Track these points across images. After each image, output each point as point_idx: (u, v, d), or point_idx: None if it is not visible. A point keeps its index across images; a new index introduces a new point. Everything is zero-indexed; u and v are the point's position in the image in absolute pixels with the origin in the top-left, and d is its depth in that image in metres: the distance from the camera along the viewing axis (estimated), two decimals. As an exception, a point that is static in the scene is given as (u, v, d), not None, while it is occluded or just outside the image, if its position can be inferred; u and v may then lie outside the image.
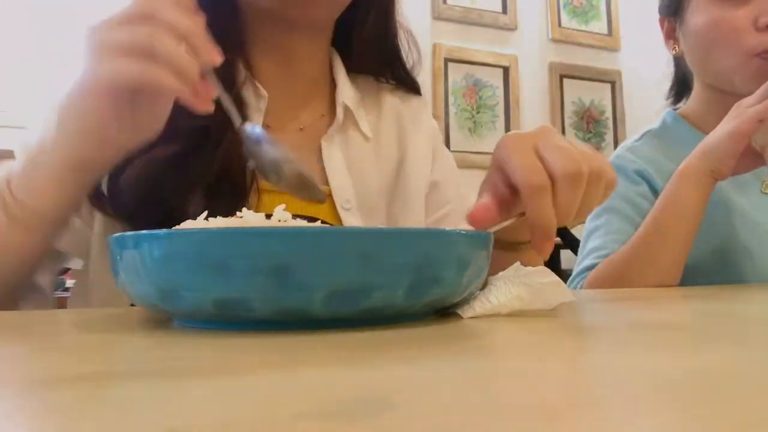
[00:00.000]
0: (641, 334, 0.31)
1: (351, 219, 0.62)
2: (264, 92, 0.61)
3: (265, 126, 0.61)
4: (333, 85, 0.68)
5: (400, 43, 0.70)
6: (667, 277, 0.76)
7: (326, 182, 0.62)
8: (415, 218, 0.68)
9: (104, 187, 0.53)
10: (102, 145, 0.44)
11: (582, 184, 0.41)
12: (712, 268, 0.85)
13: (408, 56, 0.72)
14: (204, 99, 0.43)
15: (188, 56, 0.41)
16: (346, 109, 0.66)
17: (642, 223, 0.79)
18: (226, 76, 0.46)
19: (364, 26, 0.67)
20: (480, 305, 0.35)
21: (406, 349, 0.25)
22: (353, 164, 0.65)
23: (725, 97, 0.91)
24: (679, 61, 1.02)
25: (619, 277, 0.78)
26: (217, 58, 0.43)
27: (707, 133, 0.93)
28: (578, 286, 0.85)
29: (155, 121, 0.45)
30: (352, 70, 0.70)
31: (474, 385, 0.18)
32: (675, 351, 0.25)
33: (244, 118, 0.52)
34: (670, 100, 1.06)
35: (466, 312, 0.35)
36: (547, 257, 0.43)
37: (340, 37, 0.68)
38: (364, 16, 0.66)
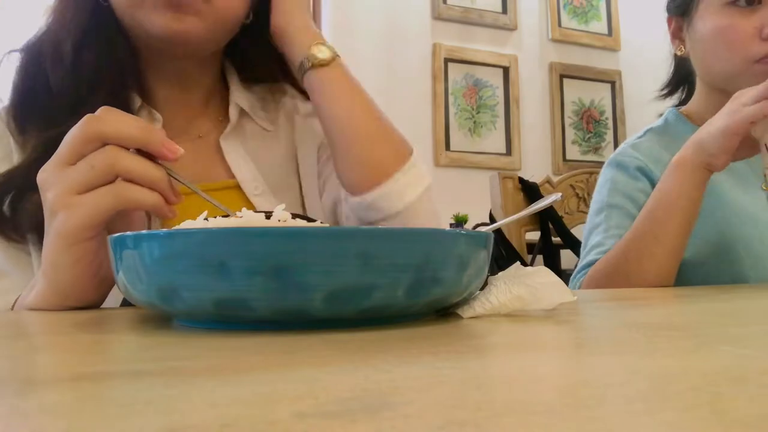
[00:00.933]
0: (641, 334, 0.31)
1: (263, 203, 0.66)
2: (158, 115, 0.65)
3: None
4: (227, 91, 0.73)
5: None
6: (663, 269, 0.76)
7: (232, 176, 0.67)
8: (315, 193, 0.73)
9: (6, 210, 0.55)
10: (92, 292, 0.44)
11: None
12: (711, 262, 0.85)
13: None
14: (170, 205, 0.45)
15: (152, 165, 0.43)
16: (241, 110, 0.71)
17: (637, 217, 0.80)
18: (123, 108, 0.48)
19: (253, 39, 0.70)
20: (480, 305, 0.35)
21: (406, 349, 0.25)
22: (256, 153, 0.69)
23: (720, 96, 0.91)
24: (681, 61, 1.02)
25: (616, 271, 0.78)
26: (178, 151, 0.44)
27: None
28: (578, 283, 0.85)
29: None
30: (249, 80, 0.75)
31: (474, 385, 0.18)
32: (675, 351, 0.25)
33: None
34: (662, 96, 1.07)
35: (466, 312, 0.35)
36: None
37: (232, 46, 0.71)
38: (253, 30, 0.69)
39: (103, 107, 0.44)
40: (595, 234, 0.90)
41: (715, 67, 0.91)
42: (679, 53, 0.97)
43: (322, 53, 0.64)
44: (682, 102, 1.05)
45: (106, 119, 0.43)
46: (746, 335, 0.30)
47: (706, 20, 0.90)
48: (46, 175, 0.43)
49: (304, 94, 0.72)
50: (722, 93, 0.92)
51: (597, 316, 0.40)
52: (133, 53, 0.65)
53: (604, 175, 0.96)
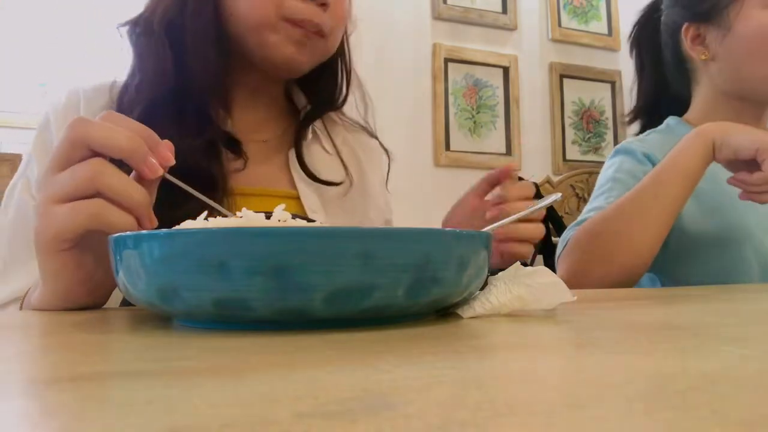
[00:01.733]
0: (641, 334, 0.31)
1: (319, 219, 0.69)
2: (228, 120, 0.67)
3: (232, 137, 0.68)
4: (291, 107, 0.77)
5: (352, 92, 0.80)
6: (651, 234, 0.77)
7: (294, 187, 0.70)
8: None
9: None
10: (85, 297, 0.44)
11: None
12: (712, 247, 0.86)
13: (359, 104, 0.81)
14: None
15: (135, 187, 0.41)
16: (313, 131, 0.75)
17: (642, 180, 0.80)
18: (206, 116, 0.53)
19: (323, 68, 0.74)
20: (480, 305, 0.35)
21: (406, 349, 0.25)
22: (316, 171, 0.72)
23: (736, 105, 0.94)
24: (648, 87, 1.04)
25: (606, 228, 0.79)
26: (158, 171, 0.42)
27: None
28: (566, 239, 0.85)
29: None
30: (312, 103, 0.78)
31: (474, 385, 0.18)
32: (675, 351, 0.25)
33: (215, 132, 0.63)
34: (628, 122, 1.09)
35: (466, 312, 0.35)
36: None
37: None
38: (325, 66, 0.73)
39: (107, 111, 0.44)
40: (596, 200, 0.91)
41: (752, 68, 0.91)
42: (703, 58, 0.96)
43: None
44: (645, 127, 1.07)
45: (96, 125, 0.41)
46: (746, 335, 0.30)
47: (748, 21, 0.89)
48: (41, 176, 0.43)
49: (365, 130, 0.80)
50: (734, 100, 0.94)
51: (597, 316, 0.40)
52: (222, 69, 0.68)
53: (610, 161, 0.97)
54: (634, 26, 1.10)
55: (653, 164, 0.92)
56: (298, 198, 0.69)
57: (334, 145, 0.77)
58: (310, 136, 0.74)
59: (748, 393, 0.17)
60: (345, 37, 0.76)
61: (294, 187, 0.70)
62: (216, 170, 0.61)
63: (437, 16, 3.02)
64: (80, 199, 0.40)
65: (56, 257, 0.42)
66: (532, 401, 0.16)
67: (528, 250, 0.62)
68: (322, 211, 0.69)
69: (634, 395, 0.17)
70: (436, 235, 0.31)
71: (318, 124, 0.76)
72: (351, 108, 0.82)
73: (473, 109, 3.07)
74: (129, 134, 0.41)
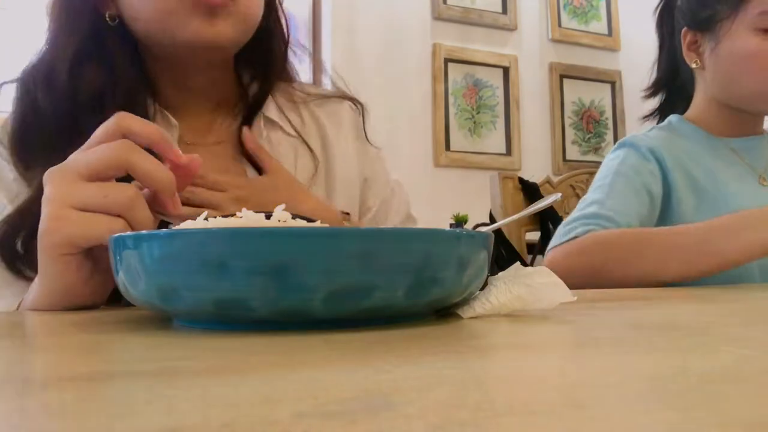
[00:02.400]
0: (641, 334, 0.31)
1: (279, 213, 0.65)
2: (174, 121, 0.65)
3: (184, 143, 0.65)
4: (242, 93, 0.72)
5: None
6: (659, 280, 0.76)
7: None
8: (340, 200, 0.72)
9: (19, 248, 0.54)
10: (85, 298, 0.44)
11: None
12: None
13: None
14: None
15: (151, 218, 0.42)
16: (269, 120, 0.70)
17: (679, 230, 0.79)
18: (140, 114, 0.50)
19: (262, 41, 0.70)
20: (480, 305, 0.35)
21: (406, 349, 0.25)
22: (280, 160, 0.68)
23: (729, 111, 0.96)
24: (670, 63, 1.03)
25: (621, 252, 0.78)
26: (180, 158, 0.44)
27: (712, 132, 0.97)
28: (576, 231, 0.83)
29: None
30: (264, 86, 0.73)
31: (474, 385, 0.18)
32: (675, 351, 0.25)
33: None
34: (647, 95, 1.09)
35: (466, 312, 0.35)
36: None
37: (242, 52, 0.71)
38: (261, 33, 0.68)
39: (122, 113, 0.44)
40: (597, 191, 0.90)
41: (739, 86, 0.92)
42: (694, 66, 0.97)
43: None
44: (664, 108, 1.07)
45: (143, 155, 0.42)
46: (746, 335, 0.30)
47: (737, 41, 0.91)
48: (60, 165, 0.43)
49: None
50: (733, 110, 0.96)
51: (597, 316, 0.40)
52: (141, 66, 0.65)
53: (614, 154, 0.96)
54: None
55: (658, 160, 0.92)
56: None
57: (294, 128, 0.72)
58: (263, 128, 0.69)
59: (748, 393, 0.17)
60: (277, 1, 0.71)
61: None
62: None
63: (437, 16, 3.02)
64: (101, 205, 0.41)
65: (60, 259, 0.41)
66: (532, 401, 0.16)
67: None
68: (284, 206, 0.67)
69: (634, 395, 0.17)
70: (436, 235, 0.31)
71: (274, 113, 0.71)
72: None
73: (473, 109, 3.07)
74: (167, 175, 0.42)
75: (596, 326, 0.35)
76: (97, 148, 0.42)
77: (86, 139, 0.44)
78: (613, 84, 3.37)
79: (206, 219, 0.35)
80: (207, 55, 0.63)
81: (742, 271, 0.85)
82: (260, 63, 0.71)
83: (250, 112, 0.69)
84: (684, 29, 0.98)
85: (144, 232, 0.31)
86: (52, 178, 0.42)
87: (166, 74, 0.67)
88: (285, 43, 0.72)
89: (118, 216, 0.41)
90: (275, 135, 0.71)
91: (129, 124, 0.43)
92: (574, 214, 0.88)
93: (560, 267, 0.77)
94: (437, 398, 0.17)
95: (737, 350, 0.25)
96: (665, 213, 0.91)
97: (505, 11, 3.15)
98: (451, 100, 3.01)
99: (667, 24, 1.05)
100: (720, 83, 0.95)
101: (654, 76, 1.08)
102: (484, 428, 0.14)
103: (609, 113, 3.36)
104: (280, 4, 0.72)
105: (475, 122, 3.05)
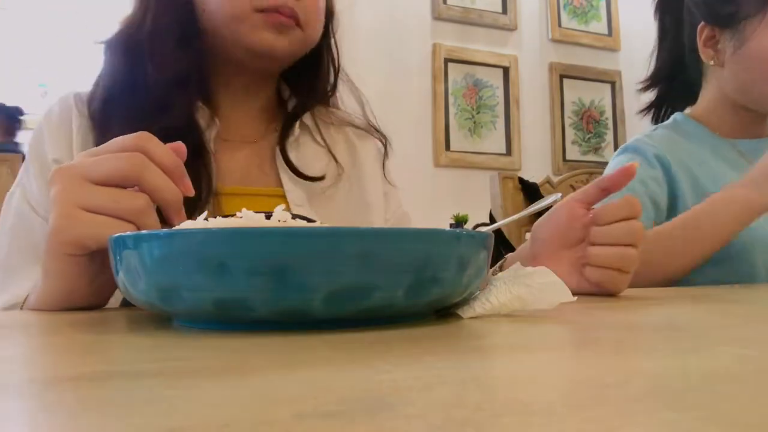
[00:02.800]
0: (641, 334, 0.31)
1: (304, 213, 0.68)
2: (217, 121, 0.68)
3: (221, 139, 0.68)
4: (281, 103, 0.77)
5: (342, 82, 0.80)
6: (667, 277, 0.76)
7: (281, 185, 0.69)
8: (373, 218, 0.76)
9: None
10: (88, 299, 0.44)
11: None
12: (723, 257, 0.85)
13: (351, 97, 0.81)
14: None
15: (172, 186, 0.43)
16: (301, 122, 0.74)
17: (672, 224, 0.79)
18: (189, 113, 0.53)
19: (310, 63, 0.75)
20: (480, 305, 0.35)
21: (406, 349, 0.25)
22: (306, 166, 0.72)
23: (740, 111, 0.93)
24: (668, 57, 1.01)
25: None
26: (190, 191, 0.45)
27: (718, 132, 0.94)
28: None
29: None
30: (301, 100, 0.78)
31: (474, 385, 0.18)
32: (675, 351, 0.25)
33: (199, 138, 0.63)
34: (642, 89, 1.06)
35: (466, 312, 0.35)
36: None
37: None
38: (311, 56, 0.74)
39: (142, 133, 0.44)
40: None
41: (762, 86, 0.89)
42: (711, 63, 0.94)
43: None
44: (663, 103, 1.04)
45: (154, 171, 0.43)
46: (746, 335, 0.30)
47: (766, 41, 0.87)
48: (67, 165, 0.43)
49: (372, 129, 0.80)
50: (746, 111, 0.93)
51: (597, 316, 0.40)
52: (203, 66, 0.69)
53: (618, 160, 0.95)
54: None
55: (663, 166, 0.91)
56: (283, 196, 0.69)
57: (323, 138, 0.76)
58: (297, 131, 0.74)
59: (748, 393, 0.17)
60: (331, 30, 0.76)
61: (281, 185, 0.69)
62: (201, 172, 0.62)
63: (437, 16, 3.02)
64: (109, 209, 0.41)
65: (65, 258, 0.42)
66: (532, 401, 0.16)
67: (625, 279, 0.55)
68: (307, 206, 0.69)
69: (634, 395, 0.17)
70: (436, 235, 0.31)
71: (308, 119, 0.76)
72: (348, 108, 0.81)
73: (473, 110, 3.07)
74: (176, 191, 0.43)
75: (596, 326, 0.35)
76: (111, 156, 0.42)
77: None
78: (613, 84, 3.37)
79: (206, 219, 0.35)
80: (264, 64, 0.69)
81: (748, 270, 0.85)
82: (305, 82, 0.76)
83: (288, 118, 0.74)
84: (701, 24, 0.93)
85: (144, 232, 0.31)
86: (60, 178, 0.42)
87: (218, 73, 0.70)
88: (335, 70, 0.78)
89: (128, 222, 0.41)
90: (305, 139, 0.75)
91: (151, 148, 0.43)
92: None
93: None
94: (437, 398, 0.17)
95: (737, 350, 0.25)
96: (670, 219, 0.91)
97: (505, 11, 3.15)
98: (451, 100, 3.01)
99: (670, 13, 1.00)
100: (742, 84, 0.92)
101: (652, 67, 1.04)
102: (484, 428, 0.14)
103: (609, 113, 3.35)
104: (333, 35, 0.77)
105: (475, 122, 3.05)
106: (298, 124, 0.74)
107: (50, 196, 0.42)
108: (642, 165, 0.91)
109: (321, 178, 0.71)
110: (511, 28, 3.17)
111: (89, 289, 0.43)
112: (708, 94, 0.98)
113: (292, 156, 0.71)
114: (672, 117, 1.01)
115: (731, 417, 0.15)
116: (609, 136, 3.32)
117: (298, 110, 0.75)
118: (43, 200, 0.60)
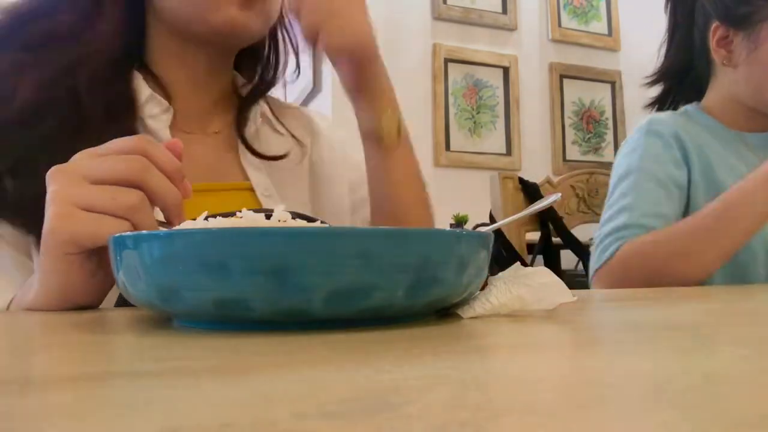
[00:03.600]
0: (641, 334, 0.31)
1: (272, 203, 0.67)
2: (167, 104, 0.66)
3: (179, 131, 0.66)
4: (236, 97, 0.74)
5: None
6: (706, 269, 0.77)
7: (247, 178, 0.67)
8: (334, 201, 0.75)
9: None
10: (77, 302, 0.44)
11: None
12: (732, 261, 0.85)
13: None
14: None
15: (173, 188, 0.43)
16: (263, 116, 0.73)
17: (702, 213, 0.79)
18: (128, 95, 0.51)
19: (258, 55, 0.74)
20: (480, 305, 0.35)
21: (406, 349, 0.25)
22: (268, 153, 0.70)
23: (751, 111, 0.92)
24: (678, 54, 0.99)
25: (660, 253, 0.79)
26: (189, 194, 0.45)
27: (728, 125, 0.93)
28: (613, 248, 0.83)
29: None
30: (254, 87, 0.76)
31: (474, 385, 0.18)
32: (675, 351, 0.25)
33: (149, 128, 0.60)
34: (648, 84, 1.05)
35: (466, 312, 0.35)
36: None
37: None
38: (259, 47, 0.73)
39: (141, 136, 0.44)
40: (624, 196, 0.87)
41: None
42: (724, 64, 0.92)
43: (393, 128, 0.64)
44: (672, 99, 1.03)
45: (156, 175, 0.43)
46: (746, 335, 0.30)
47: None
48: (65, 165, 0.42)
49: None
50: (757, 111, 0.92)
51: (597, 316, 0.40)
52: (143, 36, 0.66)
53: (635, 142, 0.93)
54: None
55: (682, 147, 0.89)
56: (251, 189, 0.67)
57: (284, 126, 0.75)
58: (259, 120, 0.71)
59: (748, 393, 0.17)
60: (283, 8, 0.73)
61: (246, 177, 0.68)
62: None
63: (437, 16, 3.02)
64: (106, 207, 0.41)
65: (63, 258, 0.41)
66: (532, 401, 0.16)
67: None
68: (276, 195, 0.68)
69: (634, 395, 0.17)
70: (436, 235, 0.31)
71: (267, 110, 0.74)
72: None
73: (473, 110, 3.07)
74: (177, 194, 0.43)
75: (596, 326, 0.35)
76: (111, 158, 0.42)
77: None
78: (613, 84, 3.37)
79: (206, 219, 0.35)
80: (230, 42, 0.66)
81: (748, 268, 0.85)
82: (259, 66, 0.74)
83: (244, 102, 0.71)
84: (715, 24, 0.92)
85: (144, 232, 0.31)
86: (57, 177, 0.42)
87: (173, 58, 0.67)
88: (295, 51, 0.76)
89: (124, 219, 0.41)
90: (264, 129, 0.73)
91: (152, 150, 0.43)
92: (606, 226, 0.87)
93: (611, 287, 0.77)
94: (437, 398, 0.17)
95: (737, 350, 0.25)
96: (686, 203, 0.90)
97: (505, 11, 3.15)
98: (451, 100, 3.01)
99: (682, 6, 0.99)
100: (755, 87, 0.90)
101: (661, 63, 1.03)
102: (484, 428, 0.14)
103: (609, 113, 3.35)
104: (287, 15, 0.75)
105: (475, 122, 3.05)
106: (258, 112, 0.72)
107: (48, 194, 0.42)
108: (660, 146, 0.89)
109: (284, 156, 0.70)
110: (511, 28, 3.17)
111: (86, 287, 0.43)
112: (717, 93, 0.96)
113: (255, 146, 0.69)
114: (683, 108, 0.99)
115: (731, 417, 0.15)
116: (609, 136, 3.32)
117: (255, 93, 0.73)
118: None
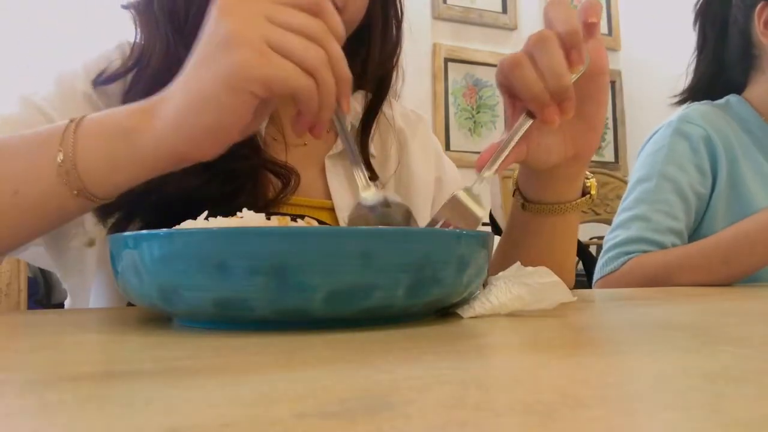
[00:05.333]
0: (642, 334, 0.31)
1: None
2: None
3: (271, 138, 0.62)
4: None
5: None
6: (746, 271, 0.77)
7: (329, 197, 0.63)
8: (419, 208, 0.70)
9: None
10: (219, 145, 0.40)
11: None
12: None
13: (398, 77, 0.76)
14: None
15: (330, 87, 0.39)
16: (351, 127, 0.67)
17: (716, 242, 0.79)
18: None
19: (372, 49, 0.69)
20: (480, 305, 0.35)
21: (406, 349, 0.25)
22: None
23: None
24: (709, 68, 0.97)
25: (667, 277, 0.78)
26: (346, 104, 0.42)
27: (766, 118, 0.90)
28: (617, 261, 0.83)
29: (257, 124, 0.44)
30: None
31: (474, 385, 0.18)
32: (676, 351, 0.25)
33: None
34: (677, 102, 1.04)
35: (466, 312, 0.35)
36: (554, 124, 0.46)
37: None
38: (375, 39, 0.68)
39: None
40: (641, 202, 0.87)
41: None
42: None
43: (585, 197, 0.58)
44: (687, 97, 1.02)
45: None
46: (746, 335, 0.30)
47: None
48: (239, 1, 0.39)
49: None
50: None
51: (597, 316, 0.40)
52: None
53: (662, 139, 0.91)
54: None
55: (710, 152, 0.88)
56: (332, 209, 0.63)
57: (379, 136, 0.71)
58: (373, 131, 0.67)
59: (748, 393, 0.17)
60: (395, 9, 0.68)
61: (329, 196, 0.63)
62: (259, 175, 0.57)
63: (437, 16, 3.02)
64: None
65: (243, 95, 0.38)
66: (532, 401, 0.16)
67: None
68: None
69: (634, 395, 0.17)
70: (436, 235, 0.31)
71: (357, 113, 0.68)
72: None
73: (473, 109, 3.07)
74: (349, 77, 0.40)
75: (596, 326, 0.35)
76: (295, 11, 0.38)
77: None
78: (613, 84, 3.37)
79: (206, 219, 0.35)
80: None
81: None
82: (377, 76, 0.71)
83: (368, 111, 0.68)
84: (761, 5, 0.90)
85: (144, 231, 0.31)
86: (237, 10, 0.38)
87: None
88: (397, 59, 0.73)
89: (310, 75, 0.38)
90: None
91: (329, 13, 0.39)
92: (616, 234, 0.86)
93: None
94: (437, 398, 0.17)
95: (737, 350, 0.25)
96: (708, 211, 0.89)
97: (505, 11, 3.15)
98: (451, 99, 3.01)
99: (712, 21, 0.97)
100: None
101: (689, 81, 1.01)
102: (484, 428, 0.14)
103: (609, 113, 3.35)
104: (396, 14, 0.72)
105: (475, 122, 3.05)
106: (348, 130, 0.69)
107: (221, 28, 0.38)
108: (686, 150, 0.88)
109: (376, 179, 0.65)
110: (511, 28, 3.17)
111: (237, 133, 0.40)
112: (762, 86, 0.94)
113: (341, 168, 0.64)
114: (725, 98, 0.96)
115: (731, 417, 0.15)
116: (609, 136, 3.32)
117: (374, 103, 0.67)
118: (59, 104, 0.54)
